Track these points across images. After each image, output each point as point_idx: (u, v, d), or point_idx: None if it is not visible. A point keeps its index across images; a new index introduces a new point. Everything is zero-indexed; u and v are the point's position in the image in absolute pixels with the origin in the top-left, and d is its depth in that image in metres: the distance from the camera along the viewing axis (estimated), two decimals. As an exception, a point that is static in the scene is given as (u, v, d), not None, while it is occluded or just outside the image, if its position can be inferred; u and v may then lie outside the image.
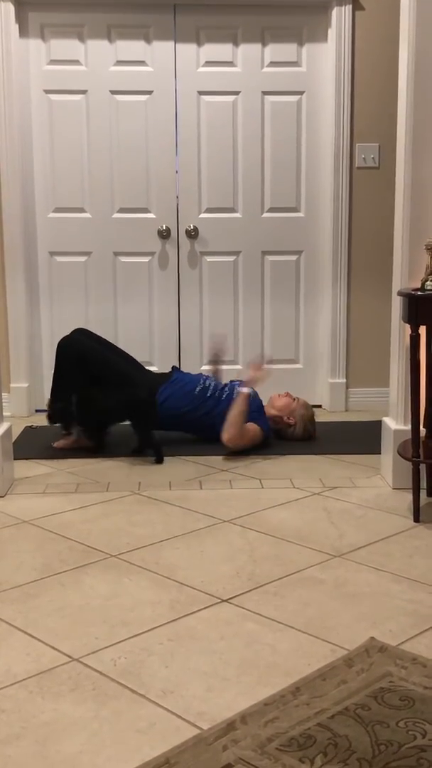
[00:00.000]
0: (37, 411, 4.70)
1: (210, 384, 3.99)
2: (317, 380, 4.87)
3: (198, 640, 2.06)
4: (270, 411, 4.03)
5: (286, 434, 4.06)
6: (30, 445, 3.93)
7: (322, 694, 1.78)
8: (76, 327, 4.19)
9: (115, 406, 3.81)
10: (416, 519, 2.92)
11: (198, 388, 3.94)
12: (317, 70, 4.62)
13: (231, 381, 4.10)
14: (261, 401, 4.03)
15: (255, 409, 3.94)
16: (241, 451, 3.80)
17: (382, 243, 4.59)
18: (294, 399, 4.08)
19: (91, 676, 1.89)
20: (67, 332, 4.11)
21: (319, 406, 4.85)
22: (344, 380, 4.77)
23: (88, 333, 4.09)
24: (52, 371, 3.99)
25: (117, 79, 4.58)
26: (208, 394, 3.93)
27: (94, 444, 3.84)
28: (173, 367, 4.20)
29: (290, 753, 1.58)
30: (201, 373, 4.15)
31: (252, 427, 3.86)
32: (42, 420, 4.12)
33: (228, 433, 3.77)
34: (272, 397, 4.11)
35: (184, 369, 4.74)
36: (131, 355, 4.12)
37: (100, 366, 3.92)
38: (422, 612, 2.20)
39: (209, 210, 4.70)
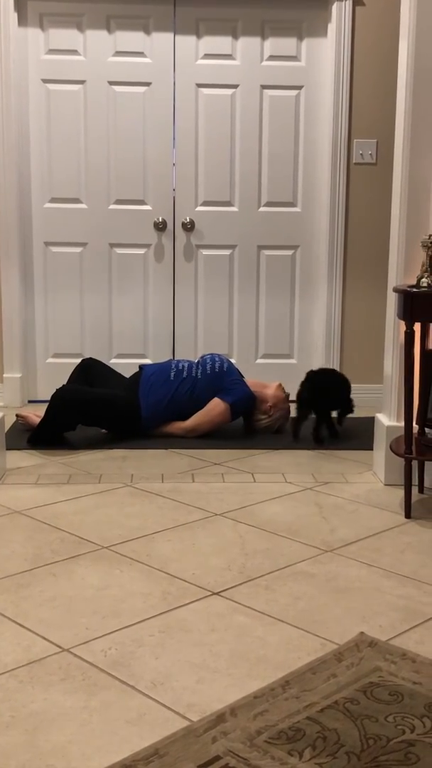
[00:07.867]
0: (30, 402, 4.70)
1: (183, 366, 4.02)
2: (311, 375, 4.87)
3: (189, 632, 2.07)
4: (264, 390, 4.04)
5: (250, 416, 4.05)
6: (22, 436, 3.92)
7: (311, 687, 1.79)
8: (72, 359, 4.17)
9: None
10: (407, 515, 2.93)
11: (172, 373, 3.98)
12: (316, 64, 4.62)
13: (202, 356, 4.13)
14: (238, 370, 4.11)
15: (233, 377, 3.99)
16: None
17: (377, 239, 4.60)
18: (286, 396, 4.08)
19: (82, 667, 1.90)
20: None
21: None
22: (338, 376, 4.76)
23: (83, 379, 4.10)
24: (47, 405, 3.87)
25: (115, 70, 4.56)
26: (185, 375, 3.97)
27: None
28: (140, 366, 4.15)
29: (279, 746, 1.58)
30: (170, 360, 4.17)
31: (215, 410, 3.91)
32: (35, 409, 4.11)
33: (188, 430, 3.91)
34: (269, 384, 4.11)
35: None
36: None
37: (99, 408, 3.88)
38: (412, 608, 2.21)
39: (206, 203, 4.69)
